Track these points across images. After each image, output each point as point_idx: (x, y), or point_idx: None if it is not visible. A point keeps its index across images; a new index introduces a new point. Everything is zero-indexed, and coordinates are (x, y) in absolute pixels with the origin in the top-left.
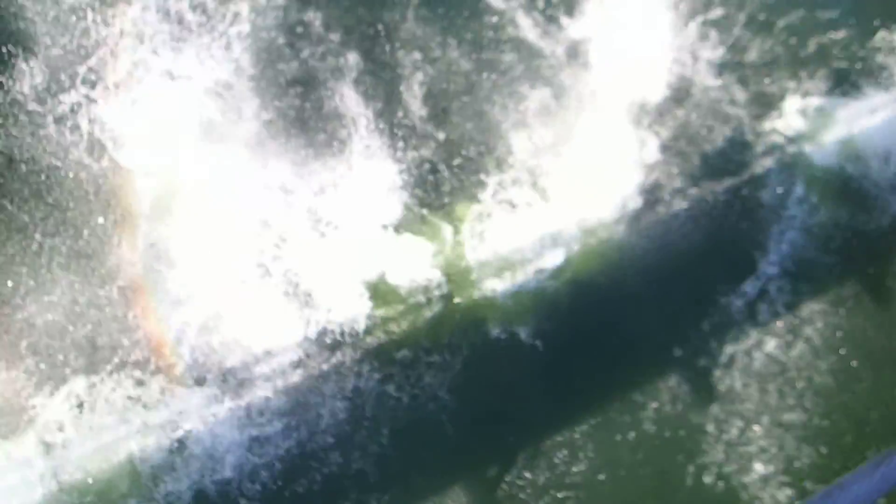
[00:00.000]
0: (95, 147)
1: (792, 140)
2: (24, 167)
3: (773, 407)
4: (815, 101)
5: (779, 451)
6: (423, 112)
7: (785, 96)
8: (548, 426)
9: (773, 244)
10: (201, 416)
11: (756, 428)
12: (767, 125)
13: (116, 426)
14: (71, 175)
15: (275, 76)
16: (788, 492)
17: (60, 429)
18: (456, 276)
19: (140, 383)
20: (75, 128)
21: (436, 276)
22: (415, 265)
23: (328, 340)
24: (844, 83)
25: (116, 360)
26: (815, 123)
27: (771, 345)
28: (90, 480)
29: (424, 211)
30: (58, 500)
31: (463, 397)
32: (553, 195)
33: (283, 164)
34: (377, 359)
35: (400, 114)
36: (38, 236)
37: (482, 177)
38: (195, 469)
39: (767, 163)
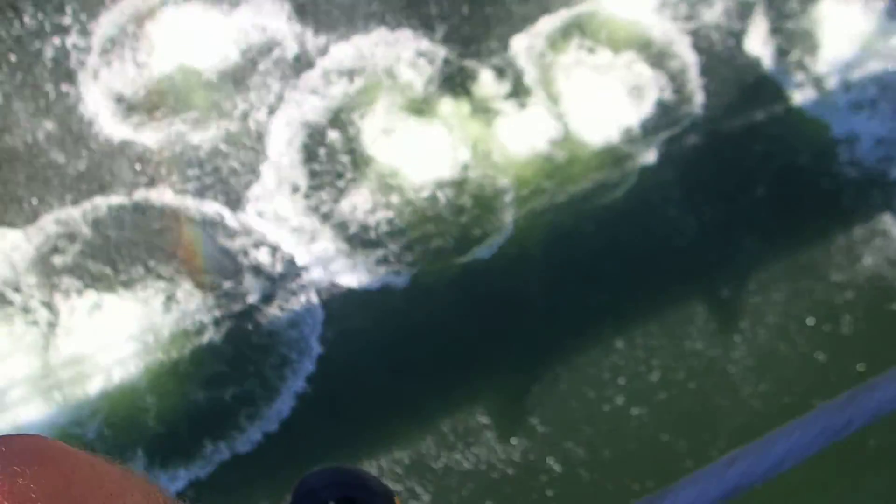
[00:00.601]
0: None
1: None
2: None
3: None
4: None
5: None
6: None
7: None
8: (556, 341)
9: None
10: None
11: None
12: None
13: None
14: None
15: None
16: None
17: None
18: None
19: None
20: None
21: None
22: (439, 161)
23: (349, 238)
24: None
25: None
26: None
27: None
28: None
29: (455, 104)
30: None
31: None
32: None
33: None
34: (396, 259)
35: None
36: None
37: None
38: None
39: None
